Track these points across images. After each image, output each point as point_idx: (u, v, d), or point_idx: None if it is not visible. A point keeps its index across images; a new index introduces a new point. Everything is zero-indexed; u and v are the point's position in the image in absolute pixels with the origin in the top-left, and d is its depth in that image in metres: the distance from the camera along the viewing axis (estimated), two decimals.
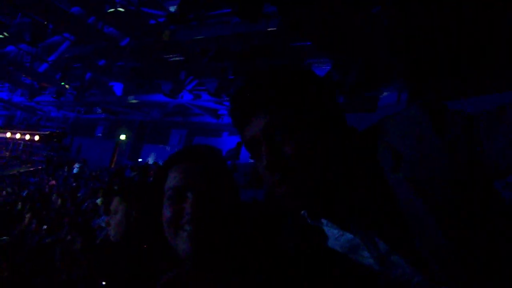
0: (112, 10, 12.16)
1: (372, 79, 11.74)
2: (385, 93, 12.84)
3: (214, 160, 1.25)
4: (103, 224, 8.88)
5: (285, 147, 1.07)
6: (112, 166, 22.18)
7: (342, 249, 1.13)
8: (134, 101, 18.81)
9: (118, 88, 16.30)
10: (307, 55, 11.28)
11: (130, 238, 2.03)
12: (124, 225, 2.19)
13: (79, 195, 14.53)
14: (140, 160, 21.19)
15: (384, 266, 1.07)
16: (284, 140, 1.07)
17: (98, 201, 10.65)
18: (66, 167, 20.91)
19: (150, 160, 20.32)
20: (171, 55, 13.36)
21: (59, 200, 12.05)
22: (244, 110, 1.13)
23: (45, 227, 8.48)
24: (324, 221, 1.17)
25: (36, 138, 24.48)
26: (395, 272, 1.06)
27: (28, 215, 9.92)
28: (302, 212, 1.21)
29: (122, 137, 22.90)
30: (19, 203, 13.39)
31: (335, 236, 1.15)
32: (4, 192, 17.70)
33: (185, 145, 21.06)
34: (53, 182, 18.35)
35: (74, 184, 16.48)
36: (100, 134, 24.71)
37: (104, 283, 3.75)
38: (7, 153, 25.70)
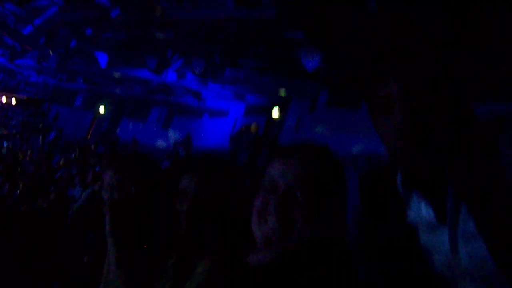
0: None
1: (359, 77, 11.82)
2: None
3: (319, 162, 1.29)
4: (77, 195, 8.85)
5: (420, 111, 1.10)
6: (88, 137, 21.92)
7: (422, 224, 1.17)
8: (117, 74, 18.57)
9: (103, 59, 16.02)
10: (298, 47, 11.27)
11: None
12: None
13: (53, 163, 14.38)
14: (117, 135, 20.99)
15: (455, 255, 1.09)
16: (419, 107, 1.11)
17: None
18: (41, 134, 20.60)
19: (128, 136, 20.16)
20: (160, 32, 13.21)
21: (33, 167, 11.90)
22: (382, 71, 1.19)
23: (17, 192, 8.39)
24: (415, 192, 1.19)
25: (13, 101, 24.01)
26: (464, 264, 1.08)
27: (1, 178, 9.82)
28: (398, 179, 1.23)
29: (101, 109, 22.61)
30: None
31: (420, 209, 1.17)
32: None
33: (164, 123, 20.95)
34: (27, 148, 18.10)
35: (48, 152, 16.27)
36: (80, 104, 24.34)
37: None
38: None
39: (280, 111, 16.34)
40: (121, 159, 2.34)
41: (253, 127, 13.70)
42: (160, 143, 18.65)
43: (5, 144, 19.07)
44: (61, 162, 13.68)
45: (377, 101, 1.21)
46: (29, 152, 16.26)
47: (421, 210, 1.16)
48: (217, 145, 16.13)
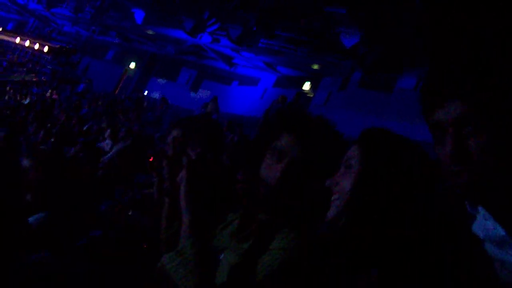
0: None
1: (395, 60, 11.64)
2: (404, 77, 12.80)
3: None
4: (106, 148, 8.97)
5: (473, 140, 1.05)
6: (117, 92, 22.07)
7: (488, 241, 1.14)
8: (151, 32, 18.54)
9: (139, 15, 16.00)
10: (337, 23, 11.12)
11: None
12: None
13: (81, 114, 14.52)
14: (146, 92, 21.07)
15: None
16: (473, 133, 1.05)
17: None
18: (70, 84, 20.79)
19: (157, 95, 20.23)
20: None
21: (64, 116, 12.02)
22: (441, 91, 1.11)
23: (52, 139, 8.51)
24: (481, 210, 1.15)
25: (46, 49, 24.15)
26: None
27: (34, 125, 9.96)
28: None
29: (132, 65, 22.68)
30: (22, 110, 13.39)
31: (487, 227, 1.14)
32: (6, 97, 17.64)
33: (193, 85, 20.95)
34: (56, 96, 18.30)
35: (76, 102, 16.40)
36: (110, 58, 24.42)
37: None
38: (15, 58, 25.35)
39: (311, 86, 16.25)
40: (189, 119, 2.34)
41: (280, 99, 13.66)
42: (188, 105, 18.68)
43: (35, 91, 19.30)
44: (90, 114, 13.83)
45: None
46: (58, 101, 16.42)
47: (488, 226, 1.13)
48: (245, 113, 16.12)
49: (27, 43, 24.89)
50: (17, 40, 25.30)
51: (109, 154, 7.76)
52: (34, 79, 22.71)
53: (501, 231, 1.11)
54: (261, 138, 1.81)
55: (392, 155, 1.31)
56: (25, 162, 2.61)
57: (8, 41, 26.00)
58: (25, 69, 23.62)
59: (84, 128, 11.47)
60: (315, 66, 15.41)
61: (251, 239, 1.55)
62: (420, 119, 1.20)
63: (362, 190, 1.29)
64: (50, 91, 19.44)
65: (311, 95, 15.96)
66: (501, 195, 1.09)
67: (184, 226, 1.42)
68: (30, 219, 2.44)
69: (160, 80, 22.63)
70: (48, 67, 23.79)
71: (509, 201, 1.09)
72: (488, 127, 1.04)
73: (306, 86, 16.18)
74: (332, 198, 1.35)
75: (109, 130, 9.38)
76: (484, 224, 1.14)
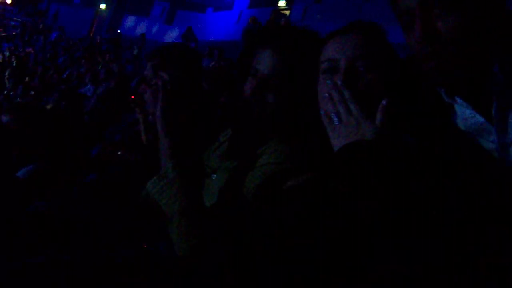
0: None
1: None
2: None
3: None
4: (89, 93, 8.88)
5: (440, 22, 1.04)
6: (91, 35, 21.52)
7: (469, 130, 1.15)
8: None
9: None
10: None
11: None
12: None
13: (59, 62, 14.25)
14: (119, 31, 20.54)
15: (505, 154, 1.09)
16: (441, 14, 1.03)
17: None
18: (42, 34, 20.20)
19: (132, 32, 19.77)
20: None
21: (41, 67, 11.78)
22: None
23: (32, 92, 8.39)
24: (459, 99, 1.15)
25: (8, 0, 23.31)
26: None
27: (11, 81, 9.78)
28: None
29: (102, 6, 21.99)
30: None
31: (466, 117, 1.15)
32: None
33: (167, 18, 20.46)
34: (30, 49, 17.80)
35: (52, 51, 16.03)
36: (79, 2, 23.61)
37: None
38: None
39: (287, 1, 15.88)
40: (166, 47, 2.28)
41: (250, 20, 13.34)
42: (164, 38, 18.30)
43: (6, 46, 18.77)
44: (68, 62, 13.56)
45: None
46: (33, 53, 16.04)
47: (467, 114, 1.14)
48: (224, 38, 15.83)
49: None
50: None
51: (92, 99, 7.70)
52: (3, 34, 22.04)
53: (479, 118, 1.12)
54: (240, 60, 1.76)
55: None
56: (4, 118, 2.57)
57: None
58: None
59: (64, 76, 11.30)
60: None
61: (240, 157, 1.55)
62: (395, 22, 1.18)
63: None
64: (22, 44, 18.93)
65: (288, 12, 15.63)
66: (472, 78, 1.09)
67: (163, 149, 1.41)
68: (19, 173, 2.43)
69: (133, 17, 22.02)
70: (17, 19, 23.04)
71: (480, 83, 1.09)
72: (455, 8, 1.02)
73: (282, 2, 15.81)
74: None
75: (89, 74, 9.25)
76: (463, 113, 1.15)
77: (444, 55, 1.05)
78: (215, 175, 1.59)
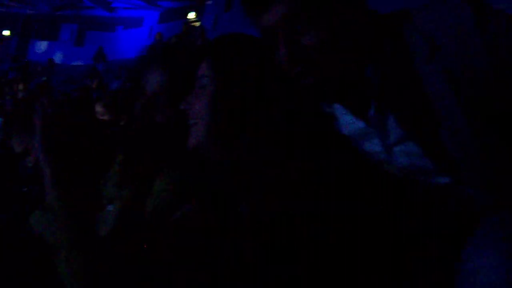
0: None
1: None
2: None
3: None
4: None
5: (304, 38, 1.01)
6: None
7: (352, 135, 1.16)
8: None
9: None
10: None
11: None
12: None
13: None
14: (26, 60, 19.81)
15: (390, 155, 1.11)
16: (304, 30, 1.01)
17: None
18: None
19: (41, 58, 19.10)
20: None
21: None
22: None
23: None
24: (337, 106, 1.15)
25: None
26: (401, 161, 1.10)
27: None
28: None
29: (6, 32, 21.15)
30: None
31: (348, 123, 1.15)
32: None
33: (77, 40, 20.00)
34: None
35: None
36: None
37: None
38: None
39: (197, 14, 15.93)
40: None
41: (157, 36, 13.25)
42: (76, 61, 17.84)
43: None
44: None
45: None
46: None
47: (348, 120, 1.15)
48: (135, 55, 15.65)
49: None
50: None
51: None
52: None
53: (360, 124, 1.12)
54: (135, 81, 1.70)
55: (243, 67, 1.16)
56: None
57: None
58: None
59: None
60: None
61: (132, 184, 1.48)
62: None
63: (219, 112, 1.14)
64: None
65: (198, 23, 15.68)
66: (347, 85, 1.09)
67: (46, 179, 1.30)
68: None
69: (43, 42, 21.33)
70: None
71: (358, 90, 1.09)
72: (318, 22, 1.00)
73: (191, 15, 15.83)
74: (189, 122, 1.20)
75: None
76: (344, 120, 1.16)
77: (316, 70, 1.03)
78: (112, 206, 1.50)
